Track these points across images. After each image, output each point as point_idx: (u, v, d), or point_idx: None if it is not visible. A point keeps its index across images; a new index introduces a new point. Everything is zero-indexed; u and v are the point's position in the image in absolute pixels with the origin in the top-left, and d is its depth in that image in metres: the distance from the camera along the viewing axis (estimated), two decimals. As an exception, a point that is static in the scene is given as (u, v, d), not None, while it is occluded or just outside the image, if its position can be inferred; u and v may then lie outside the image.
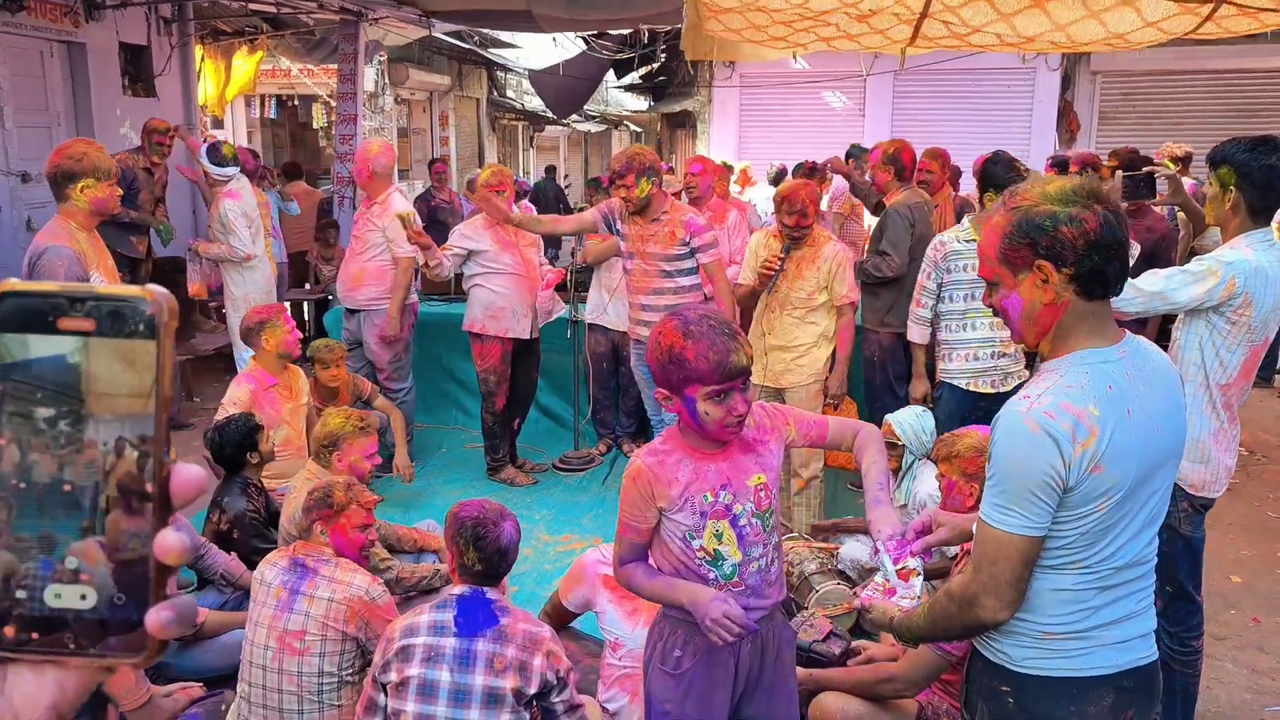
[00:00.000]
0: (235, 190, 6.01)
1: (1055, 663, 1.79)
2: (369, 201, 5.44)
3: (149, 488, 0.50)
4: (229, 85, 9.74)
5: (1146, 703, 1.88)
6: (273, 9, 8.20)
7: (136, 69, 8.21)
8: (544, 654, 2.45)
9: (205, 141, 7.06)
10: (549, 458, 5.95)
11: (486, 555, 2.50)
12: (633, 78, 14.58)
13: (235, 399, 4.24)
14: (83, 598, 0.50)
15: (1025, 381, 2.54)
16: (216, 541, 3.64)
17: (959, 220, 5.94)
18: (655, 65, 12.88)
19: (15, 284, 0.51)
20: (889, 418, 4.16)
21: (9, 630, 0.50)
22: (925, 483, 3.79)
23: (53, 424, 0.50)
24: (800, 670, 2.96)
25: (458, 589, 2.55)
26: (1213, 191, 2.85)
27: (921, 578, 2.06)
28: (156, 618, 0.50)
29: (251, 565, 3.41)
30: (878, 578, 2.21)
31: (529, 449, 6.02)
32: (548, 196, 13.57)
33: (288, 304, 7.86)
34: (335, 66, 9.25)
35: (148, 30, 8.20)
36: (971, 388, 4.16)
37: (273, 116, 12.83)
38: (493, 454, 5.61)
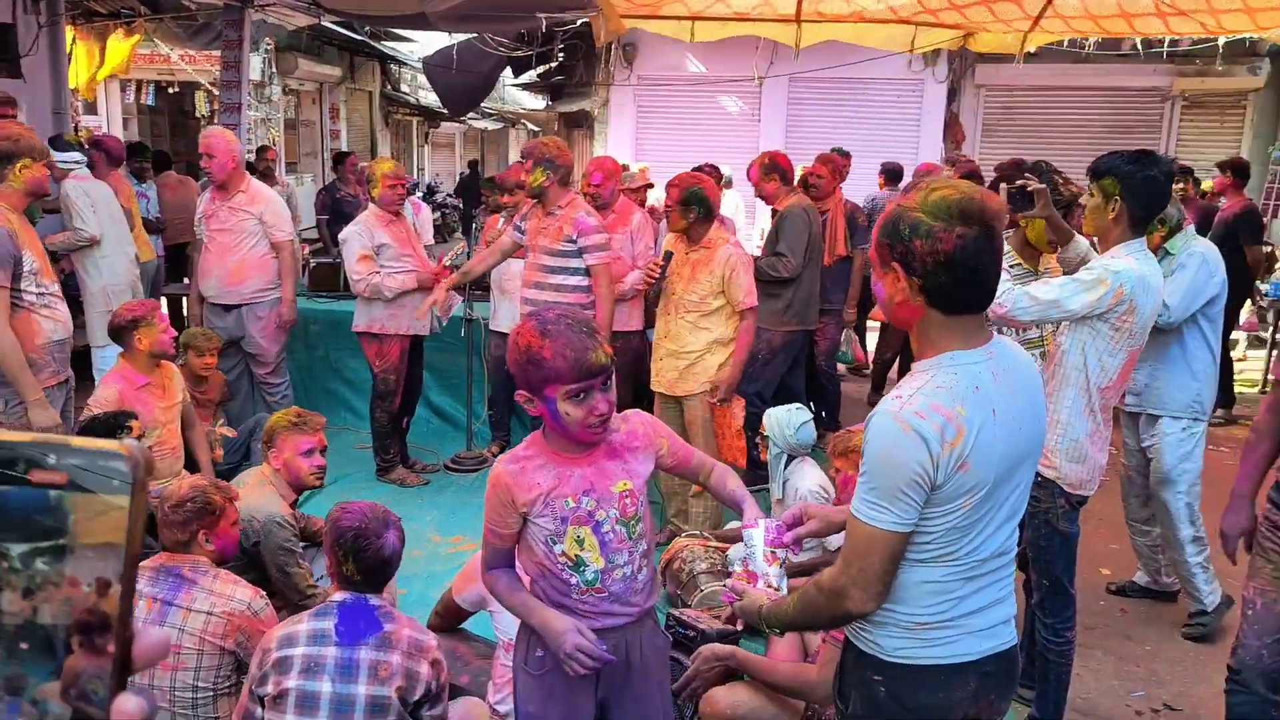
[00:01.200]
0: (82, 174, 5.75)
1: (924, 651, 1.84)
2: (228, 192, 5.19)
3: (110, 643, 0.48)
4: (102, 69, 9.27)
5: (1007, 686, 1.96)
6: (151, -10, 7.84)
7: (1, 49, 7.72)
8: (429, 662, 2.40)
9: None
10: (440, 458, 5.84)
11: (367, 567, 2.44)
12: (530, 76, 14.46)
13: (103, 400, 4.01)
14: None
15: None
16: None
17: (850, 226, 6.10)
18: (553, 64, 12.80)
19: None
20: (767, 411, 4.17)
21: None
22: (805, 480, 3.84)
23: (26, 564, 0.48)
24: (721, 648, 2.98)
25: (338, 596, 2.47)
26: (1094, 202, 2.97)
27: (784, 568, 2.08)
28: None
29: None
30: (736, 565, 2.23)
31: (420, 449, 5.90)
32: (475, 192, 13.35)
33: (164, 299, 7.53)
34: (218, 53, 8.89)
35: (13, 7, 7.73)
36: None
37: (150, 104, 12.26)
38: (383, 454, 5.49)
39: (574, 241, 4.50)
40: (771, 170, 5.27)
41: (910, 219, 1.70)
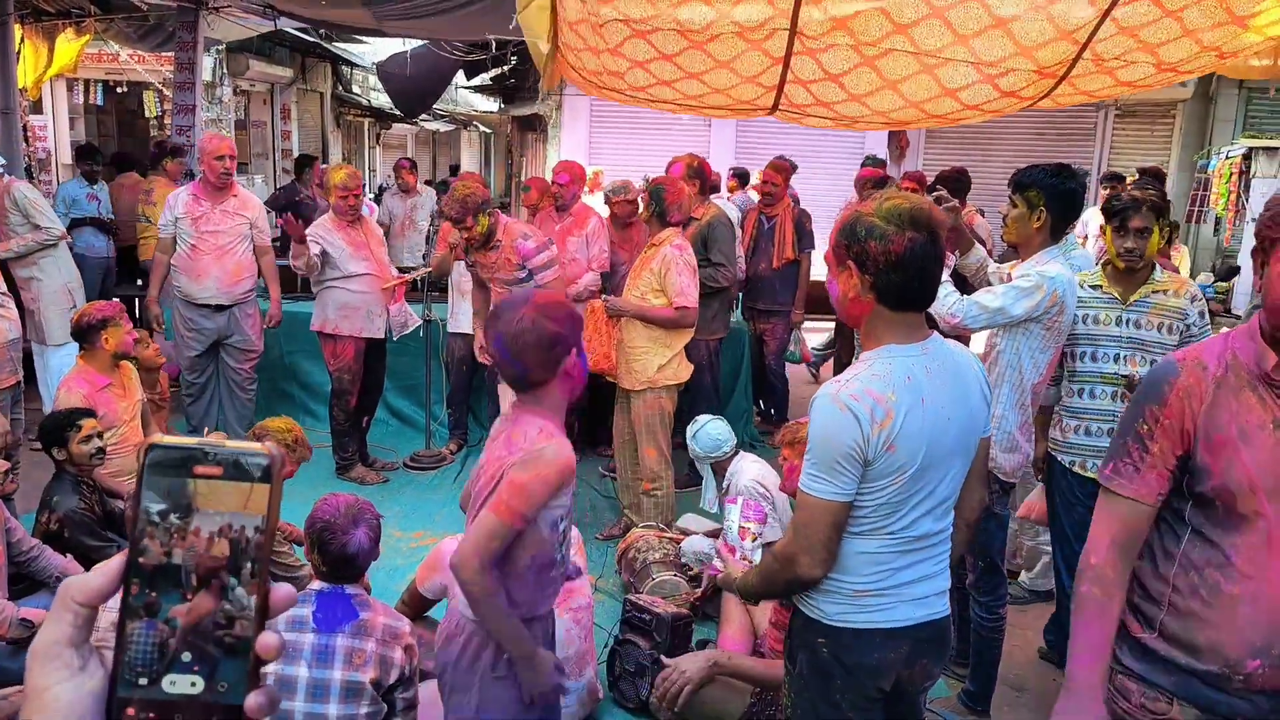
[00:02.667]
0: (16, 178, 5.77)
1: (864, 616, 2.03)
2: (222, 195, 5.32)
3: (254, 593, 0.62)
4: (50, 68, 9.17)
5: (938, 653, 2.16)
6: (103, -9, 7.80)
7: (-53, 47, 7.64)
8: (403, 647, 2.52)
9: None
10: (399, 457, 5.94)
11: (331, 559, 2.54)
12: (483, 79, 14.52)
13: (68, 403, 4.04)
14: (193, 685, 0.61)
15: None
16: (48, 542, 3.51)
17: (797, 231, 6.30)
18: (506, 68, 12.89)
19: (160, 437, 0.64)
20: (692, 437, 4.29)
21: (131, 711, 0.61)
22: (742, 476, 4.00)
23: (164, 518, 0.62)
24: (702, 655, 3.13)
25: (316, 584, 2.58)
26: (1018, 212, 3.19)
27: (759, 542, 2.31)
28: (254, 701, 0.62)
29: (88, 565, 3.30)
30: (687, 557, 2.44)
31: (379, 448, 5.99)
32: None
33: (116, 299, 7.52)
34: (170, 54, 8.85)
35: (-40, 7, 7.64)
36: (1079, 470, 3.34)
37: (99, 103, 12.12)
38: (341, 452, 5.58)
39: (524, 268, 4.63)
40: (695, 176, 5.38)
41: (866, 223, 1.94)
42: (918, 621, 2.06)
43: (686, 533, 4.29)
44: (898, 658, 2.06)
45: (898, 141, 12.22)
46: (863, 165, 6.79)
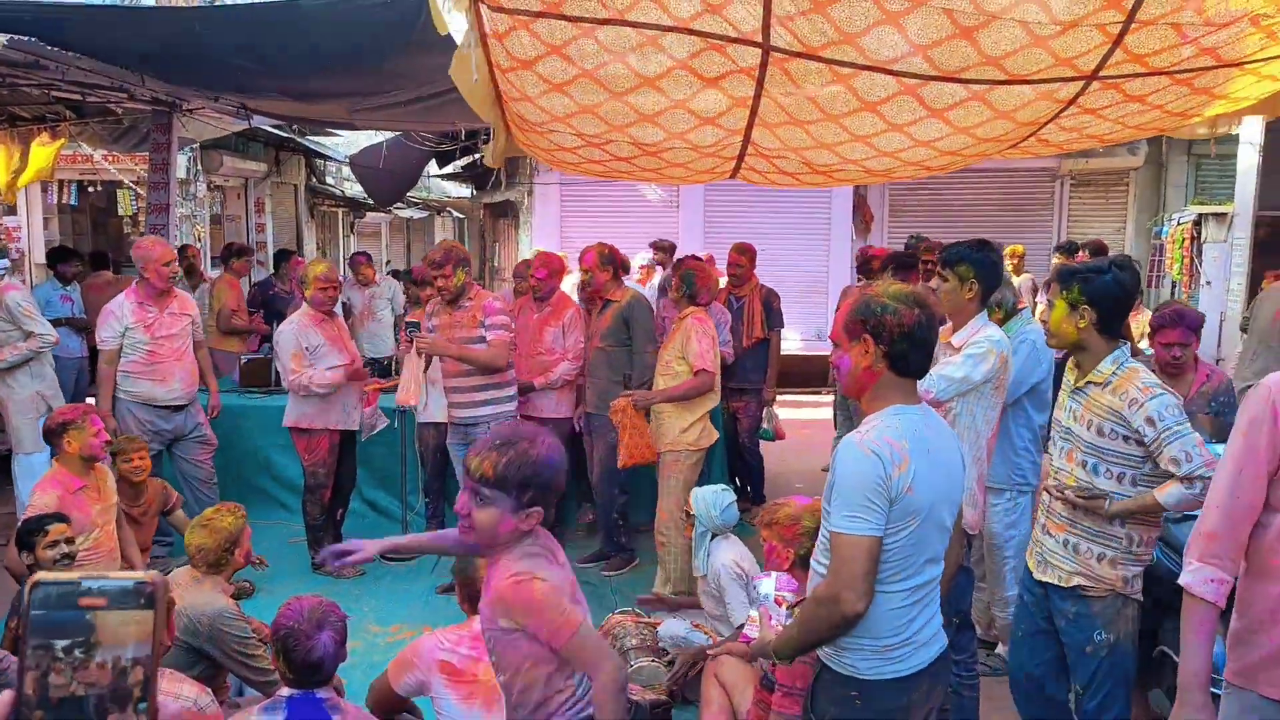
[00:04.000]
0: (13, 282, 5.82)
1: (891, 667, 2.28)
2: (166, 299, 5.43)
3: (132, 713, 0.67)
4: (24, 172, 9.28)
5: (946, 677, 2.52)
6: (78, 97, 7.94)
7: (-78, 154, 7.74)
8: (379, 749, 2.50)
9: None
10: (376, 549, 5.90)
11: (295, 666, 2.50)
12: (455, 167, 14.79)
13: (42, 505, 4.03)
14: None
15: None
16: (14, 649, 3.46)
17: (765, 309, 6.43)
18: (477, 156, 13.15)
19: (43, 575, 0.69)
20: (693, 491, 4.43)
21: None
22: (721, 555, 4.03)
23: (68, 653, 0.67)
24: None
25: (286, 690, 2.56)
26: (950, 285, 3.39)
27: (790, 611, 2.47)
28: None
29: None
30: (751, 611, 2.59)
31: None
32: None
33: (91, 400, 7.50)
34: (145, 154, 8.99)
35: (-64, 114, 7.78)
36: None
37: (73, 203, 12.23)
38: (316, 546, 5.56)
39: (484, 324, 4.91)
40: (608, 262, 5.60)
41: (880, 302, 2.28)
42: (932, 660, 2.33)
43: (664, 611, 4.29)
44: (919, 695, 2.32)
45: (862, 216, 12.50)
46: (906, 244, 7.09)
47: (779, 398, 6.74)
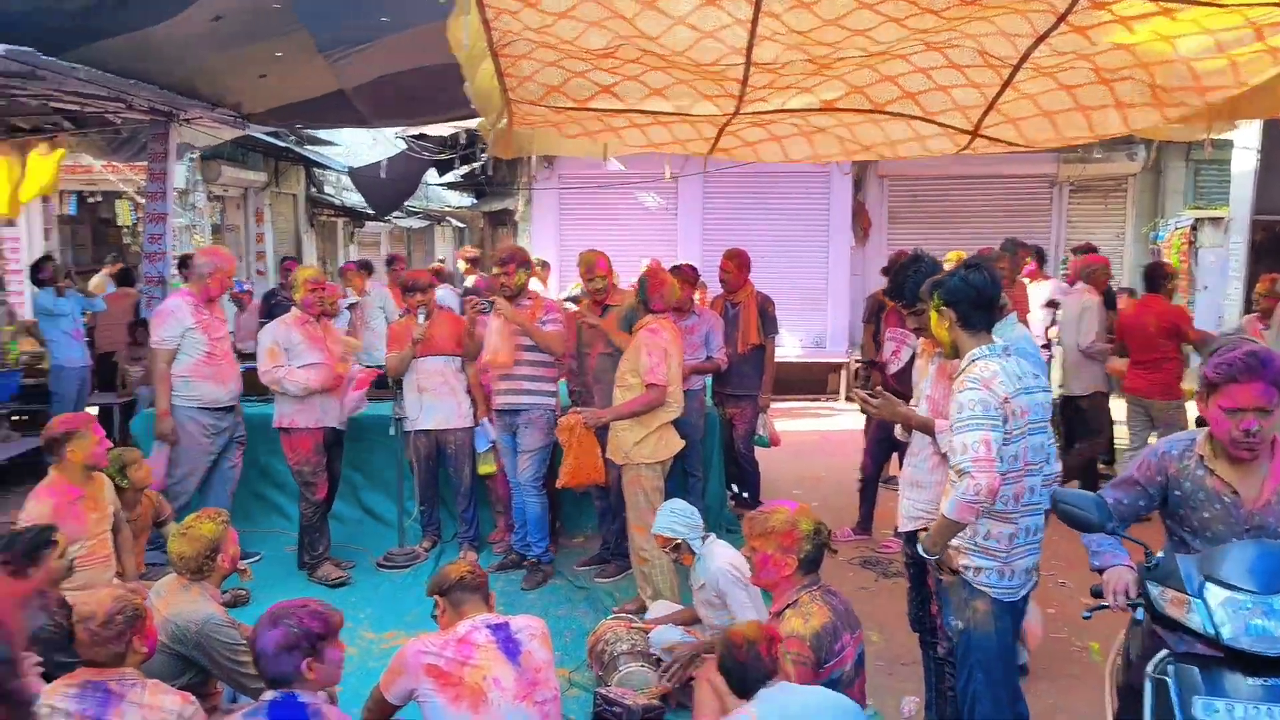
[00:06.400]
0: None
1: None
2: (214, 304, 5.63)
3: None
4: (24, 183, 9.31)
5: None
6: (76, 107, 7.98)
7: (-79, 166, 7.78)
8: (361, 757, 2.51)
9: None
10: (373, 556, 5.92)
11: (259, 665, 2.62)
12: (455, 175, 14.83)
13: (35, 515, 4.01)
14: None
15: None
16: (13, 661, 3.46)
17: (761, 315, 6.43)
18: (477, 164, 13.20)
19: None
20: (654, 529, 4.28)
21: None
22: (715, 559, 4.00)
23: None
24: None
25: (269, 694, 2.58)
26: (934, 323, 3.18)
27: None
28: None
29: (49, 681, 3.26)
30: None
31: (354, 548, 5.99)
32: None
33: (95, 409, 7.52)
34: (143, 164, 9.02)
35: (-66, 125, 7.81)
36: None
37: (72, 213, 12.28)
38: (311, 551, 5.62)
39: (544, 322, 5.33)
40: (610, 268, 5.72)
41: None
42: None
43: (658, 620, 4.28)
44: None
45: (861, 223, 12.53)
46: (1000, 249, 6.98)
47: (774, 404, 6.74)
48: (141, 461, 4.85)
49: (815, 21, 3.72)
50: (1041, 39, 3.84)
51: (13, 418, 7.85)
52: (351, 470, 6.29)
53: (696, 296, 6.81)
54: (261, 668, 2.58)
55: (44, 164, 9.36)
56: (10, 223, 10.31)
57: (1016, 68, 4.20)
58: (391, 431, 5.92)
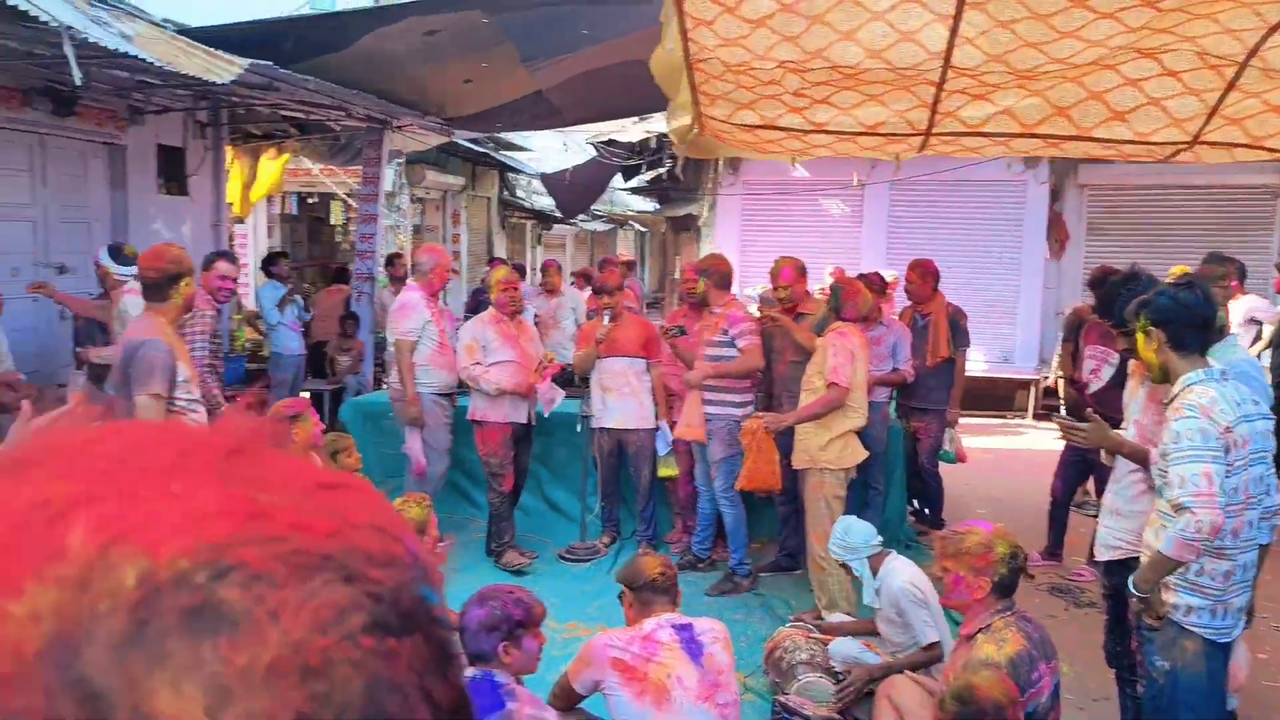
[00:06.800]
0: (136, 288, 6.30)
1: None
2: (437, 298, 5.98)
3: None
4: (254, 185, 10.21)
5: None
6: (302, 115, 8.67)
7: (170, 169, 8.63)
8: (547, 740, 2.62)
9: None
10: (554, 548, 6.13)
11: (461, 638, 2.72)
12: (640, 180, 15.12)
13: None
14: None
15: None
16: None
17: (952, 328, 6.25)
18: (663, 170, 13.41)
19: None
20: (829, 547, 4.24)
21: None
22: (896, 577, 3.90)
23: None
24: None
25: (469, 671, 2.73)
26: (1141, 346, 3.01)
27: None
28: None
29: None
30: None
31: (537, 539, 6.23)
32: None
33: (307, 394, 8.14)
34: (357, 168, 9.72)
35: (184, 133, 8.66)
36: None
37: (294, 213, 13.34)
38: (498, 538, 5.86)
39: (726, 333, 5.37)
40: (802, 275, 5.74)
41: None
42: None
43: (836, 630, 4.26)
44: None
45: (1057, 234, 11.91)
46: (1204, 262, 6.41)
47: (961, 420, 6.53)
48: (352, 449, 5.20)
49: (1022, 11, 3.61)
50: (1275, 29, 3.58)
51: (236, 399, 8.59)
52: (538, 464, 6.53)
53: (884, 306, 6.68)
54: (464, 642, 2.72)
55: (272, 167, 10.22)
56: (240, 220, 11.29)
57: (1243, 65, 3.92)
58: (578, 428, 6.12)
